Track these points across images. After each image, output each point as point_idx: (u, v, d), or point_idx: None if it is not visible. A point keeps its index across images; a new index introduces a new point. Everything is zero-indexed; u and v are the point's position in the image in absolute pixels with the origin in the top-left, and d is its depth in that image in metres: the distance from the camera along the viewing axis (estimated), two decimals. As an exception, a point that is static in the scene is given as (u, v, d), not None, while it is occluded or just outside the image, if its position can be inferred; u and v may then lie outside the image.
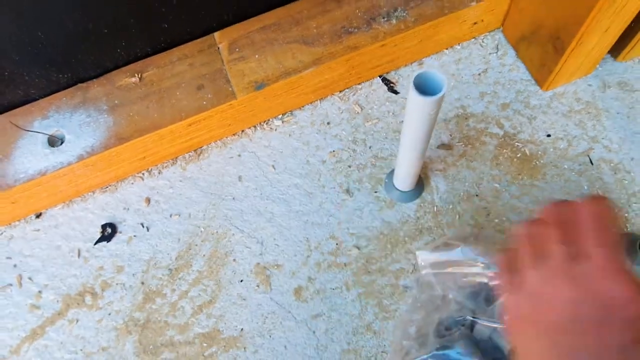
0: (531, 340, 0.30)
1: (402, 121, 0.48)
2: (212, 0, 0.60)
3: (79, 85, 0.62)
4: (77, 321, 0.58)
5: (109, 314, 0.58)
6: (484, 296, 0.51)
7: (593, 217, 0.30)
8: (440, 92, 0.38)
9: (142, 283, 0.59)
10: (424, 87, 0.40)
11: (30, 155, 0.58)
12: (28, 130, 0.59)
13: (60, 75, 0.60)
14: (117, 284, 0.59)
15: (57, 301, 0.59)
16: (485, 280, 0.50)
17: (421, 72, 0.39)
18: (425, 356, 0.47)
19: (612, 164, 0.59)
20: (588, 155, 0.60)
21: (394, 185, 0.59)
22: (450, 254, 0.51)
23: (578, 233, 0.30)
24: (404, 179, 0.56)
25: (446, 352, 0.47)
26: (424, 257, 0.52)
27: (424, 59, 0.68)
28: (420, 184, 0.59)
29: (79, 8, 0.54)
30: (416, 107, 0.40)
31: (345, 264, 0.58)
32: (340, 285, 0.57)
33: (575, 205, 0.31)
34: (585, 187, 0.58)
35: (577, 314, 0.28)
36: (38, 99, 0.62)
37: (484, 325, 0.48)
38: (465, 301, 0.52)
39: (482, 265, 0.50)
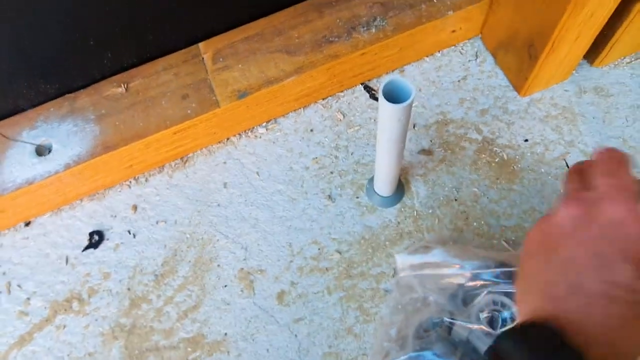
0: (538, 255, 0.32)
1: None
2: (197, 12, 0.62)
3: (67, 95, 0.63)
4: (65, 327, 0.59)
5: (96, 320, 0.59)
6: (462, 297, 0.52)
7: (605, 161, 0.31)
8: (408, 100, 0.40)
9: (129, 289, 0.60)
10: (394, 94, 0.41)
11: (18, 165, 0.60)
12: (16, 140, 0.60)
13: (48, 86, 0.62)
14: (103, 290, 0.60)
15: (45, 307, 0.60)
16: (462, 281, 0.51)
17: (390, 80, 0.41)
18: (402, 358, 0.48)
19: (588, 168, 0.60)
20: (564, 159, 0.61)
21: (374, 191, 0.60)
22: (428, 256, 0.53)
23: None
24: (383, 184, 0.57)
25: (422, 353, 0.48)
26: (403, 259, 0.53)
27: (404, 67, 0.69)
28: (401, 189, 0.61)
29: (67, 20, 0.55)
30: (386, 114, 0.42)
31: (327, 269, 0.59)
32: (322, 289, 0.58)
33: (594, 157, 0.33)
34: (562, 191, 0.59)
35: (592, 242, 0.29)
36: (26, 110, 0.63)
37: (462, 327, 0.49)
38: (444, 303, 0.53)
39: (458, 266, 0.51)
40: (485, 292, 0.49)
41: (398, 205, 0.61)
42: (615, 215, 0.29)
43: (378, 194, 0.60)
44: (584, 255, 0.29)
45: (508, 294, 0.49)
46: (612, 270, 0.27)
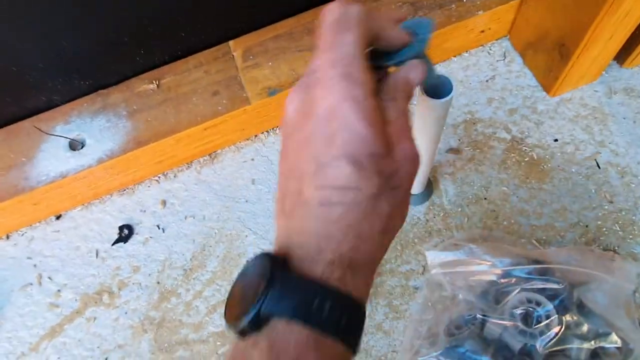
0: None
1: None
2: (227, 11, 0.63)
3: (100, 91, 0.65)
4: (95, 319, 0.59)
5: (126, 313, 0.59)
6: (494, 295, 0.51)
7: (323, 23, 0.25)
8: (449, 95, 0.40)
9: (158, 283, 0.61)
10: (433, 91, 0.41)
11: (52, 159, 0.61)
12: (50, 134, 0.61)
13: (82, 82, 0.63)
14: (133, 283, 0.61)
15: (76, 300, 0.61)
16: (494, 278, 0.51)
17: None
18: (435, 353, 0.48)
19: (619, 168, 0.60)
20: (595, 159, 0.61)
21: None
22: (458, 253, 0.52)
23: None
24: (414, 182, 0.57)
25: (455, 348, 0.48)
26: (433, 256, 0.53)
27: (432, 67, 0.69)
28: (430, 187, 0.61)
29: (102, 19, 0.56)
30: (425, 110, 0.42)
31: (355, 265, 0.59)
32: (351, 285, 0.58)
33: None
34: (593, 191, 0.59)
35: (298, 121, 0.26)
36: (60, 105, 0.64)
37: (494, 324, 0.49)
38: (475, 300, 0.53)
39: (490, 263, 0.51)
40: (518, 289, 0.49)
41: (427, 203, 0.61)
42: (328, 105, 0.23)
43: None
44: (303, 159, 0.24)
45: (542, 291, 0.48)
46: (327, 173, 0.23)
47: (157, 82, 0.64)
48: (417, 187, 0.59)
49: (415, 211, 0.61)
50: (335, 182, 0.23)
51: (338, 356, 0.23)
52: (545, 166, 0.61)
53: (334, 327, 0.22)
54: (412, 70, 0.27)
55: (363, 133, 0.23)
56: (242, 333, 0.23)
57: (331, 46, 0.24)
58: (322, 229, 0.24)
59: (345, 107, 0.23)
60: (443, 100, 0.40)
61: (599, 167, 0.60)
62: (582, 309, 0.48)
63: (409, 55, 0.28)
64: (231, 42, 0.66)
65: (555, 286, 0.47)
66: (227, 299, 0.25)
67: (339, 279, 0.23)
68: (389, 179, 0.24)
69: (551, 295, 0.48)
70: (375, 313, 0.56)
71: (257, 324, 0.22)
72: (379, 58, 0.28)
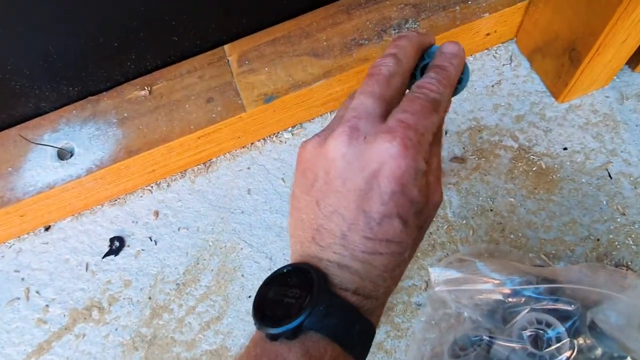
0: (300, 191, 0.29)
1: None
2: (222, 14, 0.60)
3: (89, 98, 0.62)
4: (84, 336, 0.57)
5: (116, 329, 0.57)
6: (501, 315, 0.49)
7: (421, 94, 0.27)
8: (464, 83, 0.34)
9: (150, 298, 0.58)
10: None
11: (40, 168, 0.58)
12: (38, 144, 0.59)
13: (71, 89, 0.61)
14: (124, 298, 0.59)
15: (64, 315, 0.58)
16: (501, 297, 0.48)
17: None
18: (439, 377, 0.46)
19: (631, 178, 0.57)
20: (606, 169, 0.58)
21: None
22: (464, 270, 0.50)
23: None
24: None
25: (461, 373, 0.45)
26: (437, 273, 0.51)
27: (435, 71, 0.67)
28: None
29: (90, 22, 0.54)
30: None
31: (355, 280, 0.56)
32: (350, 301, 0.55)
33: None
34: (604, 202, 0.56)
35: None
36: (49, 112, 0.62)
37: (502, 346, 0.46)
38: (481, 320, 0.50)
39: (498, 282, 0.48)
40: (527, 309, 0.47)
41: (430, 215, 0.58)
42: (390, 168, 0.25)
43: None
44: (351, 207, 0.26)
45: (552, 312, 0.46)
46: (378, 227, 0.26)
47: (149, 88, 0.62)
48: None
49: (418, 223, 0.58)
50: (384, 236, 0.26)
51: None
52: (554, 176, 0.58)
53: (357, 348, 0.26)
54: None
55: (415, 198, 0.26)
56: (274, 337, 0.25)
57: (419, 115, 0.26)
58: (364, 271, 0.26)
59: (410, 176, 0.25)
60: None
61: (610, 178, 0.58)
62: (594, 330, 0.45)
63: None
64: (226, 46, 0.63)
65: (566, 307, 0.45)
66: (259, 299, 0.27)
67: (368, 309, 0.27)
68: (424, 228, 0.28)
69: (562, 317, 0.45)
70: (377, 332, 0.53)
71: (295, 333, 0.25)
72: None
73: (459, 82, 0.31)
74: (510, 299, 0.47)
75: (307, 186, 0.28)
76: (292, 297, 0.26)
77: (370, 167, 0.26)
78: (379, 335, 0.53)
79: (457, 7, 0.61)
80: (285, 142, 0.65)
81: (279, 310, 0.26)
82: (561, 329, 0.45)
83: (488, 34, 0.64)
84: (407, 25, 0.61)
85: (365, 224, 0.26)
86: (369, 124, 0.27)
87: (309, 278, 0.26)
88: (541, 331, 0.46)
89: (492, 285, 0.48)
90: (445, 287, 0.51)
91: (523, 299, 0.47)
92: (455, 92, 0.31)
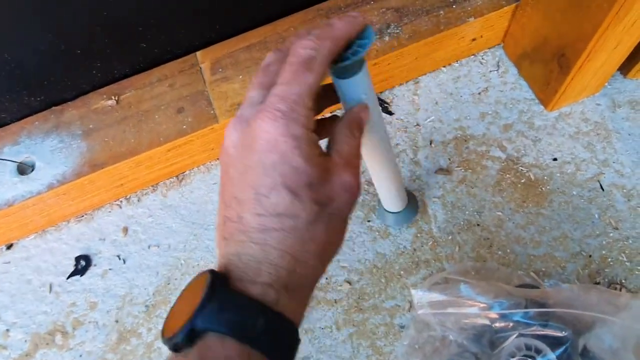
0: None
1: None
2: (194, 19, 0.57)
3: (53, 108, 0.59)
4: (45, 364, 0.53)
5: (80, 356, 0.53)
6: (488, 339, 0.46)
7: (292, 57, 0.27)
8: (360, 72, 0.30)
9: (117, 321, 0.55)
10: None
11: (-2, 184, 0.54)
12: (-4, 158, 0.55)
13: (32, 98, 0.57)
14: (89, 322, 0.55)
15: (26, 341, 0.55)
16: (488, 322, 0.45)
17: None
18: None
19: (624, 190, 0.55)
20: (598, 181, 0.55)
21: (384, 209, 0.54)
22: (449, 292, 0.47)
23: (277, 74, 0.27)
24: (387, 196, 0.50)
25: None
26: (421, 295, 0.48)
27: (419, 77, 0.64)
28: (414, 203, 0.54)
29: (48, 28, 0.50)
30: (346, 96, 0.32)
31: (335, 301, 0.53)
32: (330, 324, 0.52)
33: (294, 40, 0.28)
34: (596, 216, 0.53)
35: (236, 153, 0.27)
36: (9, 123, 0.58)
37: (488, 373, 0.44)
38: (467, 344, 0.47)
39: (484, 305, 0.45)
40: (515, 334, 0.44)
41: (413, 231, 0.55)
42: (269, 138, 0.25)
43: (388, 211, 0.54)
44: (243, 188, 0.26)
45: (542, 338, 0.43)
46: (267, 202, 0.25)
47: (116, 98, 0.58)
48: (396, 203, 0.52)
49: (401, 239, 0.55)
50: (275, 210, 0.25)
51: None
52: (543, 188, 0.56)
53: (264, 344, 0.23)
54: (362, 111, 0.31)
55: (300, 167, 0.25)
56: (177, 349, 0.24)
57: (289, 80, 0.26)
58: (261, 254, 0.25)
59: (284, 141, 0.25)
60: (354, 76, 0.30)
61: (602, 190, 0.55)
62: (587, 358, 0.42)
63: (348, 65, 0.29)
64: (198, 53, 0.60)
65: (557, 333, 0.42)
66: (167, 315, 0.25)
67: (275, 300, 0.25)
68: (325, 206, 0.26)
69: (553, 343, 0.42)
70: (357, 356, 0.50)
71: (192, 338, 0.23)
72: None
73: (360, 39, 0.29)
74: (497, 324, 0.44)
75: (221, 181, 0.29)
76: (190, 301, 0.24)
77: (252, 147, 0.26)
78: (360, 359, 0.50)
79: (442, 12, 0.58)
80: (263, 154, 0.62)
81: (179, 318, 0.24)
82: (551, 355, 0.42)
83: (474, 39, 0.61)
84: (388, 31, 0.58)
85: (255, 200, 0.26)
86: (251, 108, 0.27)
87: (204, 277, 0.25)
88: (530, 358, 0.43)
89: (478, 309, 0.45)
90: (429, 309, 0.48)
91: (511, 324, 0.44)
92: (355, 53, 0.28)
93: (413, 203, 0.55)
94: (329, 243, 0.27)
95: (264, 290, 0.24)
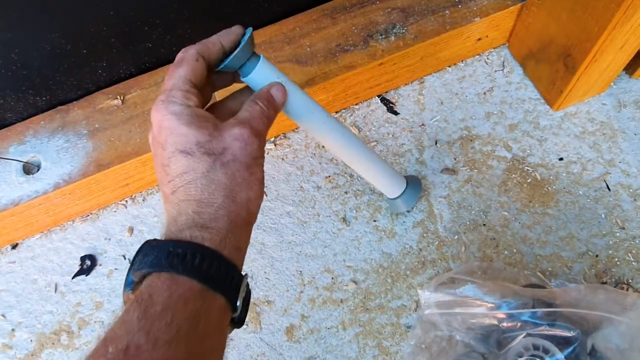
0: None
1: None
2: (199, 18, 0.57)
3: (59, 108, 0.58)
4: (51, 363, 0.53)
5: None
6: (496, 339, 0.46)
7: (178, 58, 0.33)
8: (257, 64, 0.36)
9: (122, 321, 0.54)
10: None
11: (4, 184, 0.54)
12: (2, 158, 0.55)
13: (38, 98, 0.57)
14: (95, 321, 0.55)
15: (31, 340, 0.55)
16: (495, 321, 0.45)
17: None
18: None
19: (631, 190, 0.54)
20: (604, 180, 0.55)
21: (389, 199, 0.54)
22: (456, 292, 0.47)
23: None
24: (379, 182, 0.50)
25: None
26: (428, 296, 0.48)
27: (425, 77, 0.64)
28: (414, 188, 0.53)
29: (54, 28, 0.50)
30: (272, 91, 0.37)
31: (341, 300, 0.53)
32: (336, 324, 0.52)
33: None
34: (603, 216, 0.53)
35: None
36: (15, 123, 0.58)
37: (495, 373, 0.43)
38: (474, 344, 0.47)
39: (492, 305, 0.45)
40: (523, 334, 0.44)
41: (419, 230, 0.55)
42: (157, 122, 0.31)
43: (391, 198, 0.54)
44: (157, 169, 0.32)
45: (550, 338, 0.43)
46: (170, 169, 0.30)
47: (121, 97, 0.58)
48: (390, 191, 0.52)
49: (407, 239, 0.55)
50: (177, 172, 0.30)
51: (195, 292, 0.26)
52: (549, 188, 0.56)
53: (186, 268, 0.26)
54: (273, 87, 0.36)
55: (185, 131, 0.30)
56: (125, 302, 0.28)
57: (166, 80, 0.33)
58: (175, 208, 0.30)
59: (167, 119, 0.31)
60: (257, 68, 0.36)
61: (608, 189, 0.55)
62: (595, 357, 0.42)
63: (231, 60, 0.35)
64: (204, 53, 0.60)
65: (565, 333, 0.42)
66: None
67: (192, 236, 0.28)
68: (220, 156, 0.31)
69: (561, 343, 0.42)
70: (363, 356, 0.50)
71: (132, 289, 0.28)
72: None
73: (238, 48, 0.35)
74: (505, 324, 0.44)
75: None
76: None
77: (153, 136, 0.32)
78: (366, 359, 0.50)
79: (447, 11, 0.58)
80: (268, 153, 0.62)
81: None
82: (559, 355, 0.42)
83: (479, 39, 0.61)
84: (394, 30, 0.58)
85: (164, 172, 0.31)
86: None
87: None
88: (538, 357, 0.43)
89: (485, 309, 0.45)
90: (436, 309, 0.48)
91: (519, 324, 0.44)
92: (231, 59, 0.35)
93: (412, 189, 0.53)
94: (235, 184, 0.31)
95: (179, 233, 0.28)
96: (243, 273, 0.30)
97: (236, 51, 0.35)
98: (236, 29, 0.36)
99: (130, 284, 0.28)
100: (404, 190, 0.52)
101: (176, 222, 0.29)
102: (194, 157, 0.30)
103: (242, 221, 0.31)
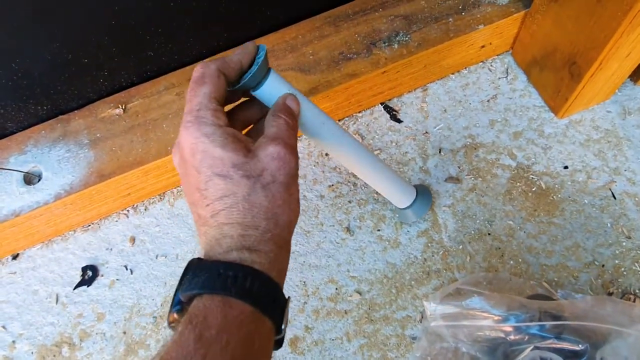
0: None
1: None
2: (201, 27, 0.56)
3: (60, 117, 0.58)
4: (52, 376, 0.53)
5: (88, 368, 0.53)
6: (503, 352, 0.45)
7: (191, 80, 0.33)
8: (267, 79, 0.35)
9: (124, 333, 0.54)
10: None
11: (5, 194, 0.54)
12: (2, 168, 0.55)
13: (39, 107, 0.56)
14: (97, 333, 0.54)
15: (32, 352, 0.54)
16: (502, 334, 0.45)
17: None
18: None
19: (636, 198, 0.54)
20: (610, 189, 0.55)
21: (398, 209, 0.53)
22: (463, 304, 0.46)
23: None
24: (388, 193, 0.50)
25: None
26: (433, 308, 0.47)
27: (428, 85, 0.63)
28: (424, 199, 0.53)
29: (56, 38, 0.50)
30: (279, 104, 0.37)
31: (346, 311, 0.52)
32: (340, 335, 0.51)
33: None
34: (608, 225, 0.53)
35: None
36: (16, 132, 0.58)
37: (503, 386, 0.43)
38: (480, 357, 0.47)
39: (499, 318, 0.45)
40: (530, 347, 0.43)
41: (424, 240, 0.55)
42: (189, 145, 0.31)
43: (400, 208, 0.53)
44: (191, 192, 0.31)
45: (558, 351, 0.42)
46: (208, 193, 0.30)
47: (123, 107, 0.58)
48: (400, 201, 0.52)
49: (412, 249, 0.54)
50: (216, 195, 0.30)
51: (247, 315, 0.27)
52: (554, 197, 0.55)
53: (238, 291, 0.27)
54: (287, 98, 0.36)
55: (219, 154, 0.30)
56: (170, 325, 0.29)
57: (189, 99, 0.32)
58: (218, 231, 0.30)
59: (200, 141, 0.30)
60: (266, 83, 0.36)
61: (614, 198, 0.54)
62: (604, 370, 0.42)
63: (249, 79, 0.34)
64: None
65: (574, 347, 0.41)
66: None
67: (242, 258, 0.28)
68: (259, 177, 0.30)
69: (569, 356, 0.42)
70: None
71: (180, 310, 0.28)
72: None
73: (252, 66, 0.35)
74: (512, 336, 0.44)
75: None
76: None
77: (184, 158, 0.31)
78: (371, 372, 0.49)
79: (451, 19, 0.58)
80: (270, 162, 0.61)
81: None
82: (567, 368, 0.41)
83: (483, 46, 0.61)
84: (397, 38, 0.57)
85: (201, 196, 0.30)
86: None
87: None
88: (546, 371, 0.42)
89: (492, 322, 0.44)
90: (442, 321, 0.47)
91: (526, 337, 0.43)
92: (249, 74, 0.34)
93: (422, 201, 0.53)
94: (276, 206, 0.30)
95: (227, 255, 0.28)
96: (286, 296, 0.30)
97: (254, 70, 0.34)
98: (252, 47, 0.35)
99: (178, 304, 0.28)
100: (414, 200, 0.52)
101: (220, 244, 0.29)
102: (233, 181, 0.30)
103: (284, 242, 0.31)
